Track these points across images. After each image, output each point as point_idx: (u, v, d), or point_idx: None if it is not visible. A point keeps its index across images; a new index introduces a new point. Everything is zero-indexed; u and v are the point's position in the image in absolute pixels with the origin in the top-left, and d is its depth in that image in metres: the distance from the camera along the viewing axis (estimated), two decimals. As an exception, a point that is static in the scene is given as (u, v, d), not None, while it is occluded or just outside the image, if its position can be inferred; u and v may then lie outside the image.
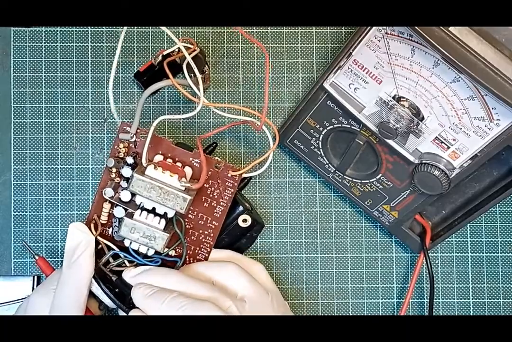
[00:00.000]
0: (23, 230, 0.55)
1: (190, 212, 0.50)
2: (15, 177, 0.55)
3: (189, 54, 0.49)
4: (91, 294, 0.49)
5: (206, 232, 0.50)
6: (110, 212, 0.50)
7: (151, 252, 0.48)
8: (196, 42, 0.53)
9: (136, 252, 0.49)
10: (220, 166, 0.49)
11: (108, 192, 0.49)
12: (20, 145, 0.55)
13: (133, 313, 0.47)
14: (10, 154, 0.55)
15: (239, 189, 0.54)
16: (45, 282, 0.50)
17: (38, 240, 0.55)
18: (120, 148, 0.49)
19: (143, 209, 0.48)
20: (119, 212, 0.49)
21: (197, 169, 0.49)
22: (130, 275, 0.48)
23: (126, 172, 0.47)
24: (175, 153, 0.49)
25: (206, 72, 0.54)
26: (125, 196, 0.48)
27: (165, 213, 0.47)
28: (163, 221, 0.47)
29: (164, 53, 0.52)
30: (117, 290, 0.49)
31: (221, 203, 0.49)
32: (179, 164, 0.49)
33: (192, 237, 0.50)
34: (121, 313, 0.49)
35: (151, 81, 0.52)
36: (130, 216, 0.48)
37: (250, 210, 0.53)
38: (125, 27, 0.47)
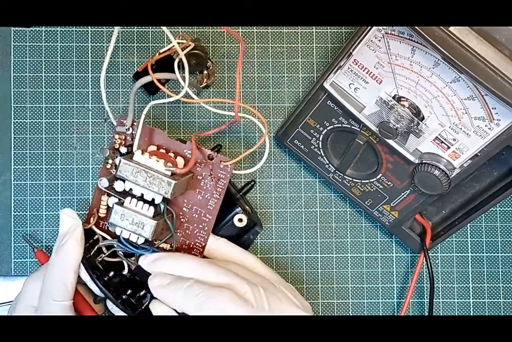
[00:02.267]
0: (23, 230, 0.55)
1: (184, 205, 0.50)
2: (15, 177, 0.55)
3: (183, 50, 0.50)
4: (89, 289, 0.50)
5: (200, 226, 0.50)
6: (108, 204, 0.51)
7: (140, 240, 0.48)
8: (193, 39, 0.53)
9: (129, 241, 0.49)
10: (213, 157, 0.49)
11: (104, 182, 0.49)
12: (20, 145, 0.55)
13: (152, 304, 0.48)
14: (10, 154, 0.55)
15: (243, 193, 0.54)
16: (39, 268, 0.51)
17: (38, 240, 0.55)
18: (116, 139, 0.50)
19: (133, 196, 0.48)
20: (113, 201, 0.50)
21: (189, 160, 0.49)
22: (146, 262, 0.49)
23: (119, 160, 0.48)
24: (169, 144, 0.50)
25: (210, 67, 0.54)
26: (119, 186, 0.48)
27: (153, 199, 0.48)
28: (151, 209, 0.48)
29: (161, 51, 0.52)
30: (106, 278, 0.49)
31: (214, 195, 0.50)
32: (171, 154, 0.49)
33: (187, 231, 0.50)
34: (109, 303, 0.49)
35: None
36: (121, 204, 0.48)
37: (249, 212, 0.52)
38: (117, 27, 0.47)
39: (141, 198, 0.48)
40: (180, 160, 0.49)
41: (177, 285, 0.46)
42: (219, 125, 0.56)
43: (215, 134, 0.56)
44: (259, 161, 0.49)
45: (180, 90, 0.49)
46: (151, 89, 0.55)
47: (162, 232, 0.49)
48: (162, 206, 0.49)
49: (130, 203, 0.48)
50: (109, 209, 0.51)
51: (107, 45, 0.56)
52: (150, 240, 0.48)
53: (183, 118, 0.56)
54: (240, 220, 0.51)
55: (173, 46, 0.49)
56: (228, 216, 0.51)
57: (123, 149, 0.49)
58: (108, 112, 0.51)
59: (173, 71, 0.48)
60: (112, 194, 0.50)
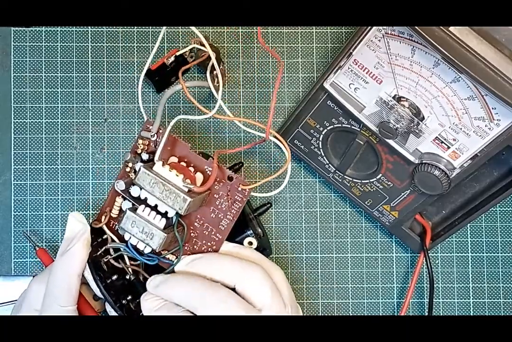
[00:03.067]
0: (23, 230, 0.55)
1: (196, 220, 0.49)
2: (15, 177, 0.55)
3: (203, 57, 0.51)
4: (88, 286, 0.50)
5: (209, 244, 0.49)
6: (121, 207, 0.50)
7: (147, 250, 0.48)
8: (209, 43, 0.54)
9: (136, 249, 0.49)
10: (232, 178, 0.48)
11: (120, 185, 0.49)
12: (20, 145, 0.55)
13: None
14: (10, 154, 0.55)
15: (257, 214, 0.54)
16: (44, 271, 0.50)
17: (38, 240, 0.55)
18: (139, 144, 0.49)
19: (147, 205, 0.48)
20: (126, 205, 0.50)
21: (208, 177, 0.48)
22: (151, 285, 0.48)
23: (139, 167, 0.48)
24: (191, 158, 0.49)
25: (222, 67, 0.54)
26: (135, 191, 0.48)
27: (166, 212, 0.47)
28: (163, 220, 0.47)
29: (177, 53, 0.52)
30: (108, 281, 0.49)
31: (228, 216, 0.49)
32: (191, 169, 0.49)
33: (195, 247, 0.50)
34: (108, 306, 0.49)
35: (163, 80, 0.53)
36: (134, 210, 0.48)
37: (260, 236, 0.52)
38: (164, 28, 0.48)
39: (154, 208, 0.47)
40: (199, 176, 0.48)
41: (167, 312, 0.45)
42: (241, 139, 0.56)
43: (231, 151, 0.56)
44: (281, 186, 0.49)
45: (195, 94, 0.49)
46: (159, 87, 0.55)
47: (170, 243, 0.49)
48: (174, 218, 0.48)
49: (143, 211, 0.47)
50: (121, 211, 0.50)
51: (107, 45, 0.56)
52: (157, 251, 0.48)
53: (199, 119, 0.56)
54: (250, 243, 0.50)
55: (191, 50, 0.51)
56: (238, 236, 0.50)
57: (145, 156, 0.49)
58: (142, 113, 0.51)
59: (183, 74, 0.48)
60: (127, 197, 0.49)
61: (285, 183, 0.48)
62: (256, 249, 0.50)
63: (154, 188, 0.46)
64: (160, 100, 0.48)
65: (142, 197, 0.47)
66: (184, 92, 0.47)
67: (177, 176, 0.46)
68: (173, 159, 0.49)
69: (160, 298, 0.47)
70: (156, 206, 0.47)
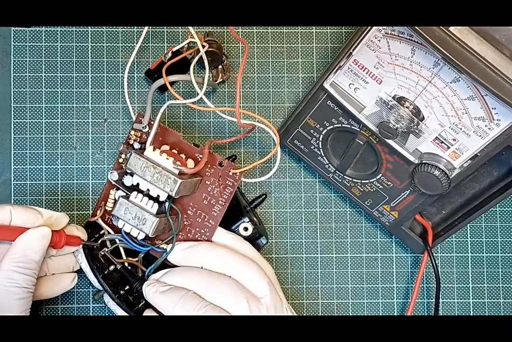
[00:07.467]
0: (23, 230, 0.55)
1: (189, 208, 0.50)
2: (15, 177, 0.55)
3: (196, 51, 0.51)
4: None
5: (202, 231, 0.50)
6: (115, 198, 0.51)
7: (141, 236, 0.49)
8: (206, 33, 0.54)
9: (130, 237, 0.49)
10: (223, 164, 0.49)
11: (114, 175, 0.50)
12: (20, 145, 0.55)
13: (147, 313, 0.48)
14: (10, 154, 0.55)
15: (254, 206, 0.54)
16: None
17: (38, 240, 0.55)
18: (132, 135, 0.51)
19: (139, 191, 0.48)
20: (119, 194, 0.50)
21: (199, 162, 0.49)
22: (154, 277, 0.49)
23: (130, 154, 0.49)
24: (183, 146, 0.50)
25: (225, 62, 0.54)
26: (128, 180, 0.49)
27: (158, 196, 0.48)
28: (156, 206, 0.48)
29: (174, 49, 0.53)
30: (106, 272, 0.50)
31: (220, 202, 0.50)
32: (183, 156, 0.50)
33: (189, 235, 0.51)
34: (106, 297, 0.49)
35: (161, 78, 0.53)
36: (127, 197, 0.49)
37: (256, 224, 0.52)
38: (146, 28, 0.50)
39: (147, 194, 0.48)
40: (190, 163, 0.50)
41: (176, 293, 0.46)
42: (220, 125, 0.56)
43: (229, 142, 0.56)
44: (271, 171, 0.50)
45: (195, 90, 0.49)
46: (162, 88, 0.55)
47: (164, 231, 0.49)
48: (167, 204, 0.49)
49: (135, 197, 0.48)
50: (116, 203, 0.51)
51: (107, 45, 0.56)
52: (150, 236, 0.48)
53: (213, 133, 0.56)
54: (246, 229, 0.51)
55: (188, 46, 0.52)
56: (235, 224, 0.51)
57: (136, 145, 0.50)
58: (130, 111, 0.53)
59: (185, 70, 0.48)
60: (121, 187, 0.50)
61: (276, 166, 0.49)
62: (252, 234, 0.51)
63: (145, 172, 0.47)
64: (148, 94, 0.50)
65: (135, 183, 0.48)
66: (176, 86, 0.48)
67: (167, 159, 0.47)
68: (165, 147, 0.50)
69: (164, 283, 0.47)
70: (148, 190, 0.48)
